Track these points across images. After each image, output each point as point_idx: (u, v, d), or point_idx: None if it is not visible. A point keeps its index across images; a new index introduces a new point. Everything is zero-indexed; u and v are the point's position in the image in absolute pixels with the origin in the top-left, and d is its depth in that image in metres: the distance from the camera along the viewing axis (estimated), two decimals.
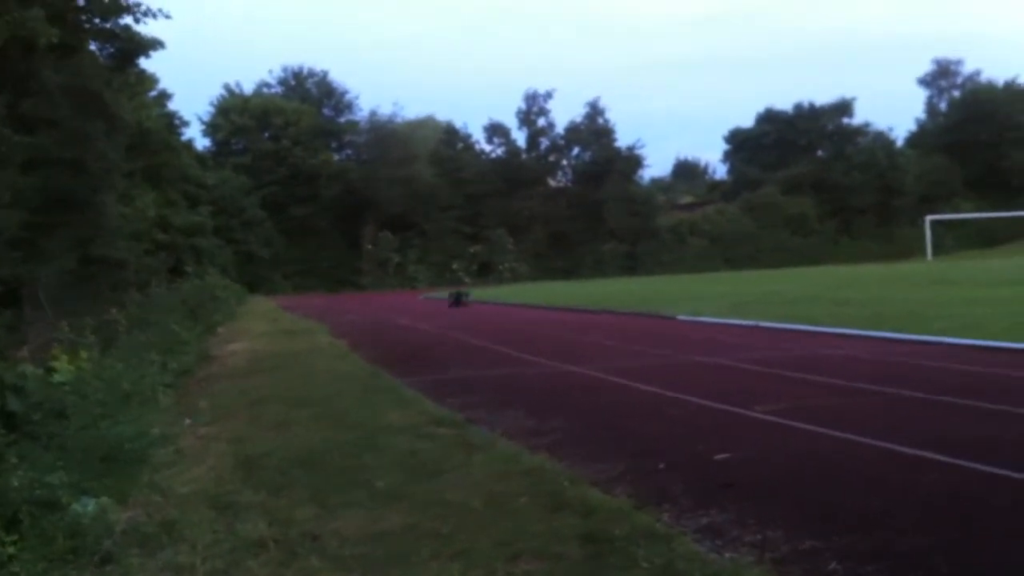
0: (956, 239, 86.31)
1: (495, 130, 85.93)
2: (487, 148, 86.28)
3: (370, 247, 75.66)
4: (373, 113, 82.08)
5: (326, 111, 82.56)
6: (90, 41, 23.87)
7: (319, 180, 74.84)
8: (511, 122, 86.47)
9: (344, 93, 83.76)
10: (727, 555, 4.78)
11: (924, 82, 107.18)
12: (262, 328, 24.50)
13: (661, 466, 6.91)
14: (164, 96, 53.82)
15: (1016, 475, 6.20)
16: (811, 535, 5.05)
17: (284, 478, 6.80)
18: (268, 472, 7.02)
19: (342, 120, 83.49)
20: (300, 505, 5.97)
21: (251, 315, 32.35)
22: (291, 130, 74.60)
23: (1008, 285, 29.25)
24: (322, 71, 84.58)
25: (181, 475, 7.03)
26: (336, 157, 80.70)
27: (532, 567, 4.61)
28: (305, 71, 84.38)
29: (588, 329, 21.66)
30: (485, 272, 76.92)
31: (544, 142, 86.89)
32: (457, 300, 36.09)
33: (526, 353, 16.42)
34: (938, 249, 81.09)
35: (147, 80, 42.86)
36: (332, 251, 75.65)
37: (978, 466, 6.48)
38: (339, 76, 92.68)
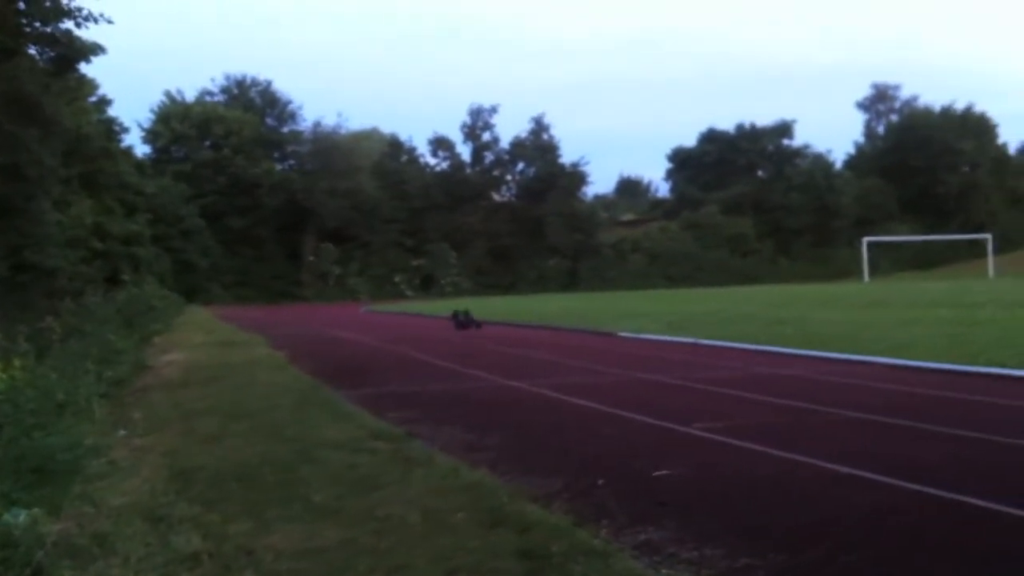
0: (892, 261, 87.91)
1: (440, 143, 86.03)
2: (431, 161, 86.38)
3: (311, 259, 75.22)
4: (316, 124, 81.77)
5: (269, 121, 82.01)
6: (29, 45, 23.49)
7: (260, 190, 74.22)
8: (456, 136, 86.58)
9: (287, 103, 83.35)
10: (664, 572, 4.80)
11: (862, 106, 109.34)
12: (199, 339, 24.21)
13: (600, 482, 6.93)
14: (104, 102, 53.16)
15: (946, 494, 6.30)
16: (747, 552, 5.09)
17: (219, 491, 6.71)
18: (203, 485, 6.92)
19: (285, 130, 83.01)
20: (235, 519, 5.89)
21: (188, 325, 31.95)
22: (233, 139, 73.94)
23: (941, 307, 29.81)
24: (266, 80, 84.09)
25: (114, 487, 6.91)
26: (278, 167, 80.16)
27: None
28: (248, 80, 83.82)
29: (529, 344, 21.70)
30: (427, 286, 76.84)
31: (488, 156, 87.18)
32: (464, 321, 28.88)
33: (467, 367, 16.40)
34: (874, 271, 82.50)
35: (87, 85, 42.33)
36: (272, 262, 75.07)
37: (911, 485, 6.59)
38: (283, 86, 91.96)
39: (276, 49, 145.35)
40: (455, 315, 29.56)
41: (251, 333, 27.16)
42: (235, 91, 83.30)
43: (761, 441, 8.41)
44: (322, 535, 5.48)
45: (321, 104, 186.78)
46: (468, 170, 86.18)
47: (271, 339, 24.21)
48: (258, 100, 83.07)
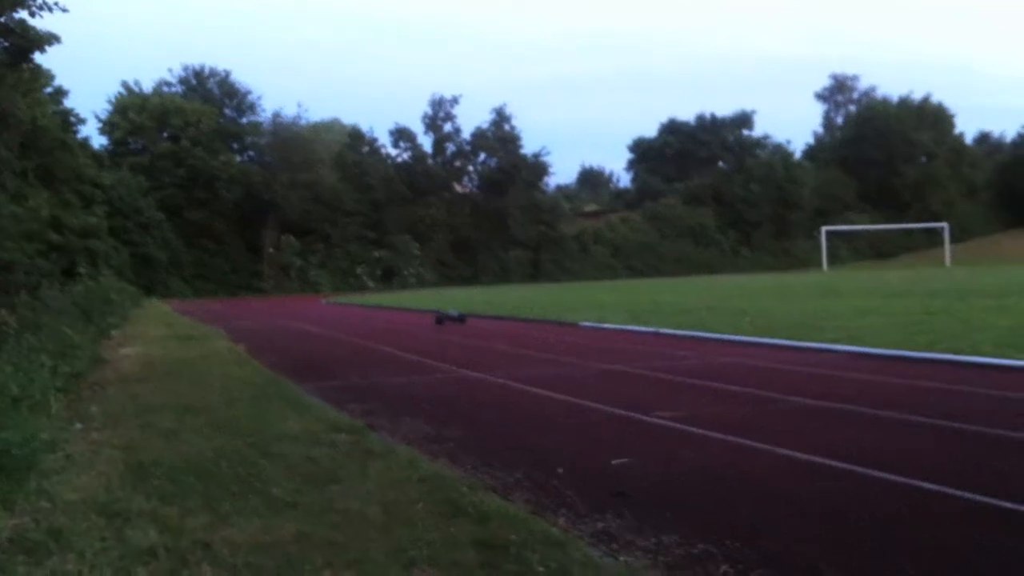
0: (850, 251, 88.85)
1: (401, 134, 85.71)
2: (393, 152, 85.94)
3: (271, 251, 74.67)
4: (276, 115, 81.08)
5: (228, 112, 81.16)
6: None
7: (219, 182, 73.49)
8: (417, 127, 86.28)
9: (247, 94, 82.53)
10: (622, 559, 4.83)
11: (821, 97, 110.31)
12: (157, 332, 24.00)
13: (559, 472, 6.95)
14: (60, 93, 52.44)
15: (904, 480, 6.38)
16: (704, 539, 5.13)
17: (176, 486, 6.65)
18: (160, 479, 6.86)
19: (244, 121, 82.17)
20: (192, 513, 5.84)
21: (147, 319, 31.66)
22: (191, 130, 73.14)
23: (898, 296, 30.16)
24: (224, 71, 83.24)
25: (70, 482, 6.83)
26: (237, 159, 79.36)
27: (427, 574, 4.59)
28: (207, 70, 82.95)
29: (491, 336, 21.70)
30: (389, 278, 76.56)
31: (450, 147, 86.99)
32: (444, 316, 26.75)
33: (428, 359, 16.38)
34: (833, 260, 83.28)
35: (42, 76, 41.65)
36: (232, 255, 74.47)
37: (871, 472, 6.66)
38: (242, 77, 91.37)
39: (235, 40, 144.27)
40: (438, 315, 26.86)
41: (210, 326, 26.95)
42: (193, 82, 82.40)
43: (720, 429, 8.47)
44: (279, 528, 5.45)
45: (281, 95, 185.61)
46: (430, 161, 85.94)
47: (231, 332, 24.03)
48: (217, 91, 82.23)
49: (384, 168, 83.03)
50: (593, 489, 6.42)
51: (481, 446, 8.16)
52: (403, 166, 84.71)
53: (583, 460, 7.47)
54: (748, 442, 7.90)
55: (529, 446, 8.19)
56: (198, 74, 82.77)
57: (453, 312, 27.26)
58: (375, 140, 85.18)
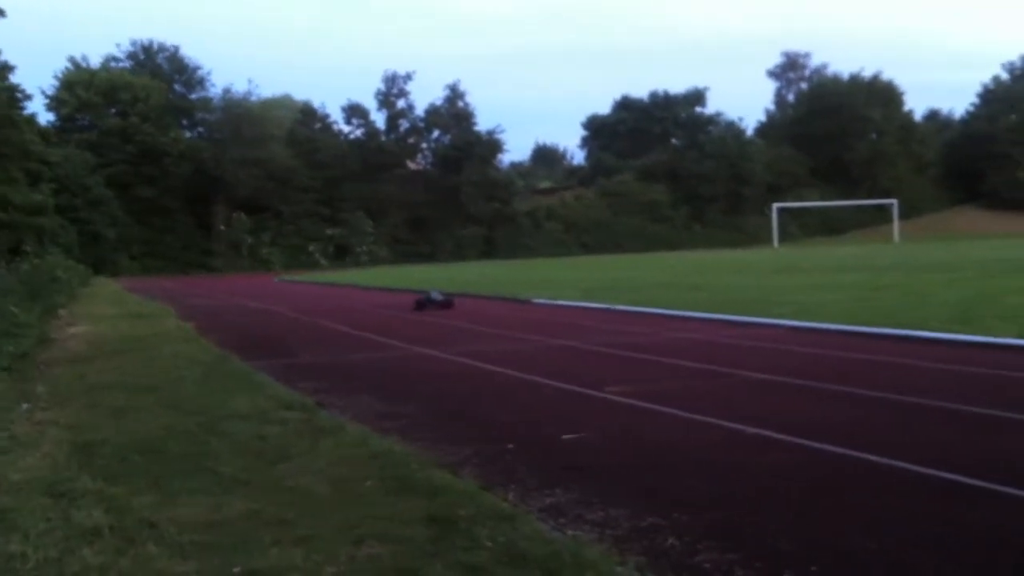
0: (801, 227, 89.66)
1: (354, 111, 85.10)
2: (345, 129, 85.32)
3: (222, 228, 73.93)
4: (226, 91, 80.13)
5: (177, 87, 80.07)
6: None
7: (169, 159, 72.57)
8: (370, 103, 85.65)
9: (196, 69, 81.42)
10: (569, 533, 4.84)
11: (773, 74, 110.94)
12: (106, 311, 23.70)
13: (510, 447, 6.97)
14: (6, 69, 51.30)
15: (854, 453, 6.46)
16: (653, 513, 5.16)
17: (123, 465, 6.58)
18: (107, 459, 6.78)
19: (194, 97, 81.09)
20: (139, 492, 5.79)
21: (95, 297, 31.25)
22: (140, 106, 72.10)
23: (848, 271, 30.51)
24: (173, 46, 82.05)
25: (15, 462, 6.73)
26: (187, 135, 78.35)
27: (376, 550, 4.57)
28: (155, 45, 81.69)
29: (445, 312, 21.65)
30: (342, 255, 76.15)
31: (404, 124, 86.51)
32: (426, 301, 23.11)
33: (382, 336, 16.32)
34: (784, 237, 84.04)
35: None
36: (182, 232, 73.68)
37: (819, 445, 6.73)
38: (191, 52, 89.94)
39: (184, 14, 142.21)
40: (420, 298, 23.52)
41: (160, 304, 26.66)
42: (142, 57, 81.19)
43: (671, 404, 8.52)
44: (228, 507, 5.41)
45: (231, 71, 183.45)
46: (383, 138, 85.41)
47: (181, 310, 23.80)
48: (166, 66, 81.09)
49: (337, 145, 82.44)
50: (543, 464, 6.43)
51: (432, 422, 8.15)
52: (356, 143, 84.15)
53: (534, 435, 7.49)
54: (698, 416, 7.95)
55: (480, 422, 8.19)
56: (147, 49, 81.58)
57: (436, 295, 23.33)
58: (327, 116, 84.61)
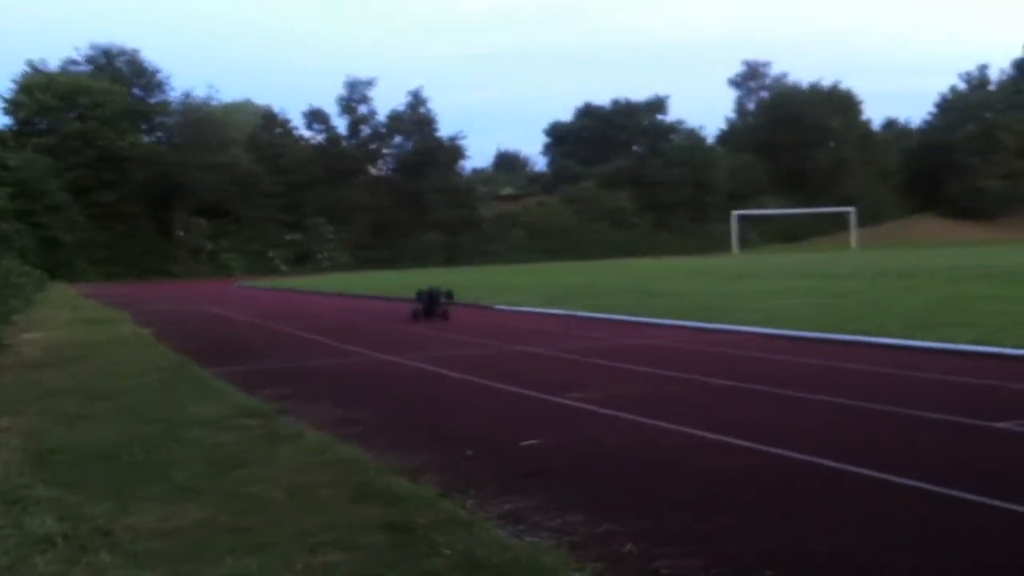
0: (761, 234, 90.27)
1: (315, 116, 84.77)
2: (307, 135, 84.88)
3: (182, 234, 73.27)
4: (187, 95, 79.42)
5: (137, 91, 79.28)
6: None
7: (129, 163, 71.83)
8: (332, 109, 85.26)
9: (156, 73, 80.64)
10: (527, 540, 4.83)
11: (734, 83, 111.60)
12: (63, 316, 23.43)
13: (469, 453, 6.95)
14: None
15: (812, 459, 6.50)
16: (610, 519, 5.16)
17: (78, 473, 6.50)
18: (62, 467, 6.70)
19: (154, 101, 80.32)
20: (94, 500, 5.72)
21: (52, 303, 30.89)
22: (99, 110, 71.31)
23: (808, 278, 30.76)
24: (133, 49, 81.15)
25: None
26: (147, 140, 77.58)
27: (333, 558, 4.54)
28: (115, 49, 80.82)
29: (407, 319, 21.58)
30: (303, 261, 75.74)
31: (365, 130, 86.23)
32: (429, 306, 20.02)
33: (343, 343, 16.25)
34: (744, 244, 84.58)
35: None
36: (142, 237, 72.93)
37: (778, 451, 6.77)
38: (151, 56, 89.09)
39: (144, 17, 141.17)
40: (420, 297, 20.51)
41: (119, 310, 26.39)
42: (101, 61, 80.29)
43: (631, 410, 8.54)
44: (183, 515, 5.36)
45: (192, 75, 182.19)
46: (344, 143, 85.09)
47: (140, 316, 23.57)
48: (125, 70, 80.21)
49: (298, 150, 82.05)
50: (502, 470, 6.43)
51: (392, 429, 8.12)
52: (318, 148, 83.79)
53: (493, 442, 7.48)
54: (658, 422, 7.98)
55: (440, 428, 8.17)
56: (106, 53, 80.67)
57: (442, 292, 20.54)
58: (288, 122, 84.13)
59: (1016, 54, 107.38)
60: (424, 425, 8.36)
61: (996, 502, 5.31)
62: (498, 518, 5.25)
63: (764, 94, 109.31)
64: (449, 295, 20.50)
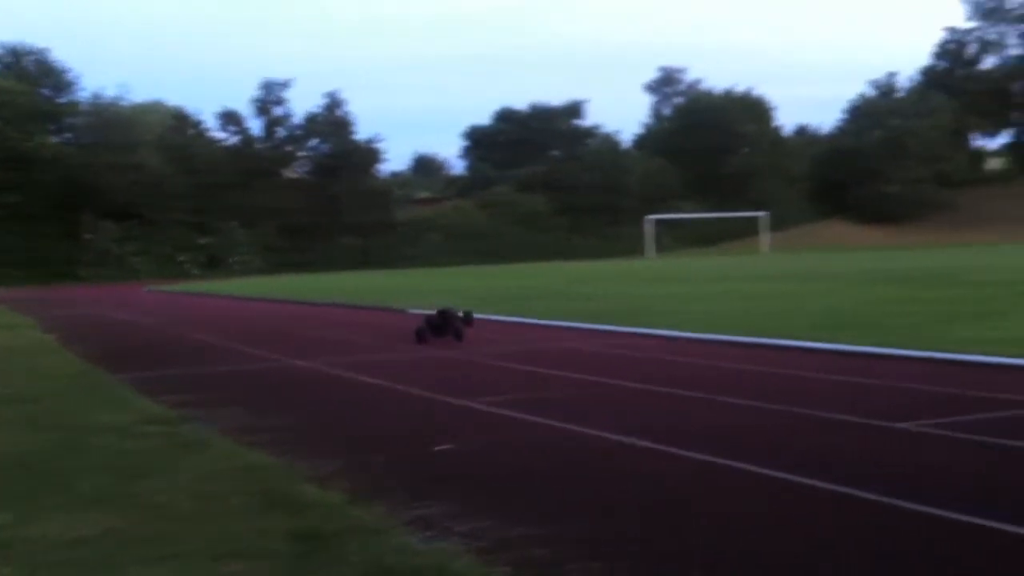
0: (675, 238, 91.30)
1: (228, 118, 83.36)
2: (220, 136, 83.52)
3: (90, 237, 71.55)
4: (96, 95, 77.60)
5: (45, 91, 77.27)
6: None
7: (35, 164, 69.93)
8: (246, 110, 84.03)
9: (65, 72, 78.69)
10: (436, 545, 4.82)
11: (650, 88, 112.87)
12: None
13: (380, 459, 6.91)
14: None
15: (722, 460, 6.59)
16: (521, 524, 5.17)
17: None
18: None
19: (62, 101, 78.35)
20: None
21: None
22: (5, 111, 69.32)
23: (720, 282, 31.23)
24: (42, 49, 79.06)
25: None
26: (55, 140, 75.63)
27: (239, 567, 4.48)
28: (23, 48, 78.67)
29: (318, 323, 21.41)
30: (215, 265, 74.48)
31: (280, 132, 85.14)
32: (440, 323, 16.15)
33: (253, 347, 16.03)
34: (659, 247, 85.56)
35: None
36: (48, 240, 70.98)
37: (688, 453, 6.85)
38: (61, 55, 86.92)
39: (54, 16, 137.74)
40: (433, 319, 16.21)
41: (23, 316, 25.71)
42: (9, 59, 78.10)
43: (547, 414, 8.57)
44: (86, 525, 5.24)
45: (102, 75, 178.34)
46: (259, 145, 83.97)
47: (44, 321, 23.00)
48: (33, 70, 78.14)
49: (211, 152, 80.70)
50: (413, 476, 6.41)
51: (301, 435, 8.03)
52: (231, 150, 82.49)
53: (404, 447, 7.45)
54: (572, 426, 8.02)
55: (351, 434, 8.12)
56: (14, 51, 78.48)
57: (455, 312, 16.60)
58: (201, 123, 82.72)
59: (923, 62, 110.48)
60: (335, 431, 8.30)
61: (898, 502, 5.44)
62: (408, 524, 5.23)
63: (679, 100, 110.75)
64: (467, 318, 16.81)
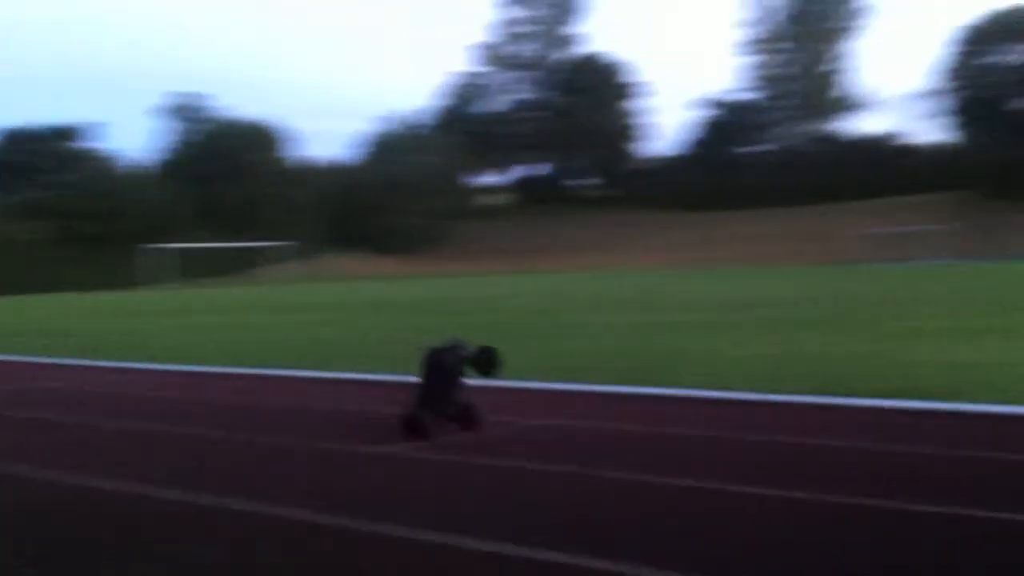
0: (184, 269, 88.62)
1: None
2: None
3: None
4: None
5: None
6: None
7: None
8: None
9: None
10: None
11: (164, 114, 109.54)
12: None
13: None
14: None
15: (217, 499, 6.04)
16: None
17: None
18: None
19: None
20: None
21: None
22: None
23: (218, 313, 30.61)
24: None
25: None
26: None
27: None
28: None
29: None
30: None
31: None
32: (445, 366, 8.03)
33: None
34: (163, 278, 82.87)
35: None
36: None
37: (158, 492, 6.23)
38: None
39: None
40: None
41: None
42: None
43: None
44: None
45: None
46: None
47: None
48: None
49: None
50: None
51: None
52: None
53: None
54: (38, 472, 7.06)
55: None
56: None
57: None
58: None
59: (425, 102, 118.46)
60: None
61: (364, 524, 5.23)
62: None
63: (193, 127, 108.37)
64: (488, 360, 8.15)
